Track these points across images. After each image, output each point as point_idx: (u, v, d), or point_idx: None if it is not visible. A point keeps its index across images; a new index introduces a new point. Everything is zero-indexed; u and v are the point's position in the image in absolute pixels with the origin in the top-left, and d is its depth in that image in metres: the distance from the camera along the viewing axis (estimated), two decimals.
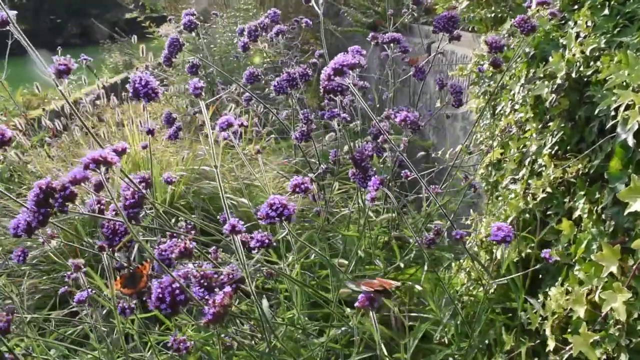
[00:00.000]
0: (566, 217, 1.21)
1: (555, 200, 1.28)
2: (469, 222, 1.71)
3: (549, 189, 1.27)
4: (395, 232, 1.63)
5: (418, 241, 1.23)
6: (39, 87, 3.35)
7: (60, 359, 1.31)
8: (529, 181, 1.35)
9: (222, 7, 5.23)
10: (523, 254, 1.33)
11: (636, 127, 0.98)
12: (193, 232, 1.07)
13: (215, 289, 0.85)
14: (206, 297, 0.83)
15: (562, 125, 1.29)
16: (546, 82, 1.30)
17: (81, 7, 19.95)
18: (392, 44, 1.56)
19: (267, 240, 0.90)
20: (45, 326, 1.40)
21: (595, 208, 1.13)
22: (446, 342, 1.44)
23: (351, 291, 0.93)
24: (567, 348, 1.04)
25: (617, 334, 0.98)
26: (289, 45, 3.20)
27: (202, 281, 0.87)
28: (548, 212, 1.31)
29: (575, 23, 1.26)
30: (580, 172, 1.20)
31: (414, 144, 2.73)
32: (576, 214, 1.17)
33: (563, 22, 1.37)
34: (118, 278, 0.98)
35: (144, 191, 0.94)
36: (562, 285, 1.14)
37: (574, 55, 1.23)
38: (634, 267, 0.95)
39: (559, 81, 1.26)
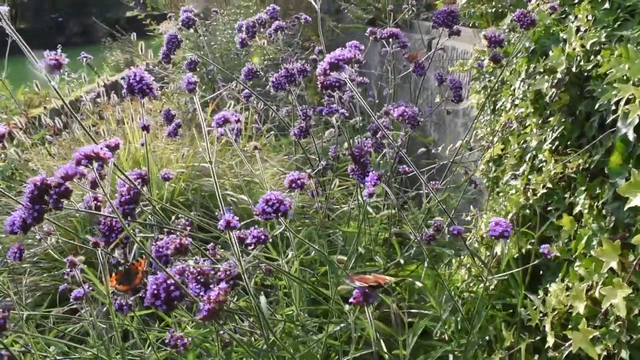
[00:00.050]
0: (567, 212, 1.20)
1: (556, 196, 1.27)
2: (469, 218, 1.70)
3: (549, 185, 1.26)
4: (396, 229, 1.62)
5: (417, 237, 1.22)
6: (38, 85, 3.35)
7: (59, 356, 1.30)
8: (530, 177, 1.34)
9: (222, 4, 5.22)
10: (523, 250, 1.32)
11: (636, 121, 0.97)
12: (189, 228, 1.07)
13: (212, 286, 0.85)
14: (201, 294, 0.83)
15: (563, 120, 1.28)
16: (546, 77, 1.29)
17: (82, 6, 19.97)
18: (390, 39, 1.55)
19: (263, 237, 0.89)
20: (45, 323, 1.40)
21: (596, 203, 1.12)
22: (446, 338, 1.43)
23: (351, 288, 0.92)
24: (567, 344, 1.03)
25: (617, 330, 0.97)
26: (290, 42, 3.19)
27: (198, 278, 0.87)
28: (548, 208, 1.30)
29: (576, 17, 1.25)
30: (581, 168, 1.19)
31: (415, 140, 2.72)
32: (577, 209, 1.17)
33: (563, 16, 1.36)
34: (113, 275, 0.97)
35: (139, 187, 0.93)
36: (562, 281, 1.14)
37: (574, 49, 1.22)
38: (635, 262, 0.94)
39: (559, 76, 1.25)
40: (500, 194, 1.53)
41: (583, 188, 1.16)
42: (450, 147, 1.96)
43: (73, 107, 3.62)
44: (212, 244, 1.11)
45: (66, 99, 3.18)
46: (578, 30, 1.24)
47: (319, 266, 1.62)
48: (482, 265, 1.27)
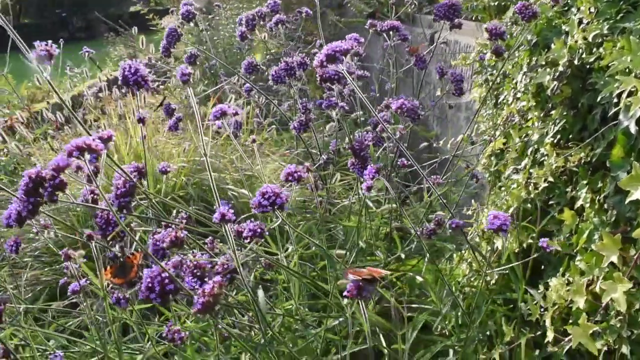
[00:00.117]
0: (568, 206, 1.19)
1: (558, 190, 1.26)
2: (470, 212, 1.69)
3: (551, 179, 1.25)
4: (396, 223, 1.62)
5: (418, 232, 1.21)
6: (39, 79, 3.34)
7: (59, 350, 1.30)
8: (531, 170, 1.33)
9: None
10: (524, 245, 1.31)
11: (638, 113, 0.96)
12: (184, 221, 1.06)
13: (207, 279, 0.84)
14: (196, 287, 0.82)
15: (565, 113, 1.27)
16: (548, 70, 1.28)
17: (86, 2, 19.96)
18: (391, 32, 1.54)
19: (259, 230, 0.88)
20: (43, 317, 1.40)
21: (598, 197, 1.11)
22: (447, 333, 1.43)
23: (349, 282, 0.91)
24: (567, 339, 1.02)
25: (618, 325, 0.96)
26: (292, 37, 3.18)
27: (195, 271, 0.87)
28: (550, 202, 1.29)
29: (578, 9, 1.24)
30: (583, 161, 1.18)
31: (418, 134, 2.71)
32: (578, 203, 1.16)
33: (566, 8, 1.35)
34: (108, 268, 0.97)
35: (135, 181, 0.93)
36: (563, 275, 1.13)
37: (576, 41, 1.21)
38: (636, 256, 0.93)
39: (561, 68, 1.24)
40: (502, 189, 1.52)
41: (585, 182, 1.15)
42: (452, 141, 1.95)
43: (75, 102, 3.63)
44: (210, 237, 1.10)
45: (69, 93, 3.19)
46: (580, 22, 1.22)
47: (319, 261, 1.61)
48: (482, 260, 1.26)
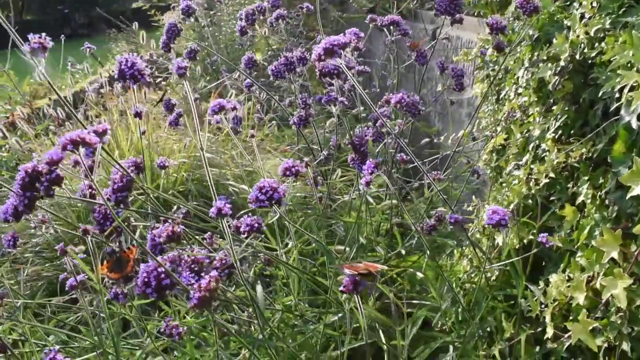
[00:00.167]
0: (569, 202, 1.18)
1: (559, 186, 1.26)
2: (470, 208, 1.68)
3: (552, 174, 1.25)
4: (397, 219, 1.61)
5: (417, 228, 1.20)
6: (40, 76, 3.34)
7: (59, 345, 1.30)
8: (532, 166, 1.32)
9: None
10: (525, 241, 1.31)
11: None
12: (181, 216, 1.06)
13: (204, 274, 0.84)
14: (193, 282, 0.82)
15: (566, 108, 1.26)
16: (549, 65, 1.27)
17: None
18: (391, 27, 1.53)
19: (256, 225, 0.88)
20: (43, 312, 1.40)
21: (599, 193, 1.10)
22: (447, 329, 1.42)
23: None
24: (566, 336, 1.02)
25: (618, 321, 0.95)
26: (294, 33, 3.17)
27: (192, 266, 0.86)
28: (551, 198, 1.28)
29: (580, 4, 1.23)
30: (584, 157, 1.17)
31: (419, 130, 2.70)
32: (579, 199, 1.15)
33: (568, 3, 1.34)
34: (105, 262, 0.97)
35: (132, 175, 0.92)
36: (563, 272, 1.12)
37: (578, 36, 1.20)
38: (636, 252, 0.92)
39: (562, 63, 1.23)
40: (504, 184, 1.51)
41: (586, 177, 1.14)
42: (453, 136, 1.94)
43: (77, 98, 3.62)
44: (209, 233, 1.10)
45: (70, 90, 3.18)
46: (582, 17, 1.21)
47: (320, 257, 1.61)
48: (482, 255, 1.26)
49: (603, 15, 1.15)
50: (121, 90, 2.96)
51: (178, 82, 3.61)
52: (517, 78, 1.49)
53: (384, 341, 1.17)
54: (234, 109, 0.94)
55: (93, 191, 0.96)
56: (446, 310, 1.34)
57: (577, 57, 1.20)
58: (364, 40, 1.44)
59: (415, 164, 1.11)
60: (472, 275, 1.49)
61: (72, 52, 4.03)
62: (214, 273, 0.77)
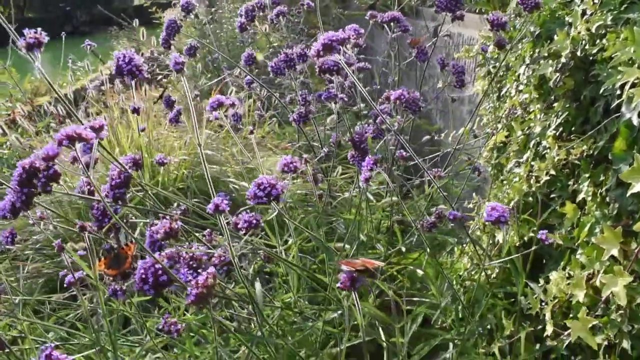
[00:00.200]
0: (570, 200, 1.18)
1: (559, 183, 1.25)
2: (471, 205, 1.68)
3: (552, 172, 1.24)
4: (398, 216, 1.61)
5: (417, 225, 1.20)
6: (38, 72, 3.34)
7: (58, 342, 1.30)
8: (533, 163, 1.31)
9: None
10: (525, 238, 1.30)
11: None
12: (179, 213, 1.06)
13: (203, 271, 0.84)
14: (191, 279, 0.81)
15: (567, 105, 1.26)
16: (550, 61, 1.27)
17: None
18: (392, 24, 1.52)
19: (254, 221, 0.88)
20: (42, 309, 1.40)
21: (600, 190, 1.10)
22: (448, 327, 1.42)
23: None
24: (566, 333, 1.01)
25: (619, 319, 0.95)
26: (296, 30, 3.16)
27: (191, 263, 0.86)
28: (552, 195, 1.28)
29: (582, 0, 1.22)
30: (585, 154, 1.17)
31: (421, 128, 2.70)
32: (580, 196, 1.14)
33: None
34: (102, 259, 0.97)
35: (131, 172, 0.92)
36: (564, 269, 1.12)
37: (579, 33, 1.19)
38: (637, 250, 0.92)
39: (563, 60, 1.22)
40: (504, 182, 1.51)
41: (587, 175, 1.14)
42: (453, 134, 1.94)
43: (78, 95, 3.62)
44: (208, 229, 1.10)
45: (71, 87, 3.18)
46: (584, 13, 1.21)
47: (320, 254, 1.60)
48: (482, 252, 1.25)
49: (605, 12, 1.14)
50: (122, 87, 2.96)
51: (179, 79, 3.61)
52: (518, 75, 1.48)
53: (383, 338, 1.17)
54: (233, 105, 0.93)
55: (91, 187, 0.96)
56: (446, 308, 1.34)
57: (579, 53, 1.20)
58: (365, 37, 1.44)
59: (416, 161, 1.10)
60: (473, 272, 1.49)
61: (73, 49, 4.03)
62: (211, 269, 0.77)
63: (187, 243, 0.99)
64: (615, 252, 0.93)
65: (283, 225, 1.44)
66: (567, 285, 1.05)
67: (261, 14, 1.66)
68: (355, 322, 1.16)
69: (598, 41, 1.15)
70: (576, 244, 1.11)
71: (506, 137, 1.55)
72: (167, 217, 0.87)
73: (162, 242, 0.91)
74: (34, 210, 1.27)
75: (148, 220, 1.12)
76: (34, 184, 0.76)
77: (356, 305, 0.76)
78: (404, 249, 1.53)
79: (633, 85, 0.98)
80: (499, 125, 1.58)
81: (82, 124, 0.85)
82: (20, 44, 0.76)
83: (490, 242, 1.41)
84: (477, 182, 1.81)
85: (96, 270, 0.94)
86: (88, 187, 0.96)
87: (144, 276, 0.78)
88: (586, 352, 1.07)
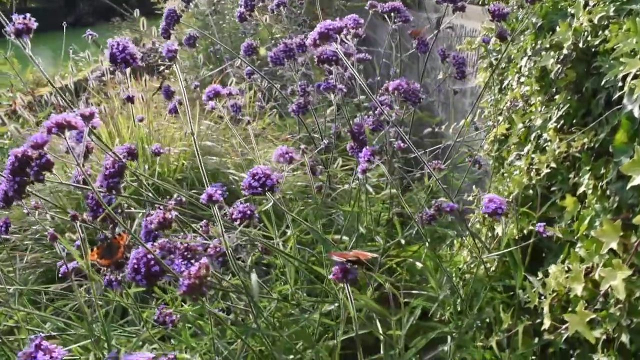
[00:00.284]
0: (570, 193, 1.17)
1: (560, 176, 1.24)
2: (470, 198, 1.67)
3: (553, 164, 1.23)
4: (397, 209, 1.60)
5: (416, 217, 1.19)
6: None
7: (55, 333, 1.30)
8: (533, 156, 1.30)
9: None
10: (525, 231, 1.29)
11: None
12: (173, 202, 1.05)
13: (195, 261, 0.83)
14: (183, 270, 0.81)
15: (569, 97, 1.24)
16: (552, 53, 1.25)
17: None
18: (392, 14, 1.51)
19: (249, 212, 0.87)
20: (39, 300, 1.39)
21: (600, 183, 1.09)
22: (446, 320, 1.41)
23: None
24: (564, 327, 1.00)
25: (617, 313, 0.94)
26: (298, 21, 3.14)
27: (185, 254, 0.85)
28: (552, 188, 1.27)
29: None
30: (586, 147, 1.16)
31: (423, 120, 2.68)
32: (580, 189, 1.13)
33: None
34: (95, 249, 0.96)
35: (124, 161, 0.91)
36: (563, 263, 1.11)
37: (581, 24, 1.18)
38: (636, 243, 0.91)
39: (565, 51, 1.21)
40: (505, 175, 1.49)
41: (587, 168, 1.13)
42: (454, 126, 1.92)
43: (79, 86, 3.61)
44: (205, 220, 1.09)
45: (72, 78, 3.17)
46: (586, 4, 1.19)
47: (318, 245, 1.60)
48: (481, 245, 1.25)
49: (607, 3, 1.13)
50: (123, 78, 2.95)
51: (181, 70, 3.60)
52: (520, 67, 1.47)
53: (380, 331, 1.16)
54: (230, 94, 0.92)
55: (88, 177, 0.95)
56: (445, 301, 1.33)
57: (581, 45, 1.18)
58: (365, 27, 1.42)
59: (415, 153, 1.09)
60: (472, 265, 1.48)
61: (75, 40, 4.02)
62: (204, 260, 0.76)
63: (182, 234, 0.98)
64: (614, 245, 0.92)
65: (282, 217, 1.43)
66: (566, 278, 1.04)
67: (261, 4, 1.65)
68: (343, 317, 1.15)
69: (600, 32, 1.13)
70: (576, 237, 1.10)
71: (507, 129, 1.54)
72: (162, 207, 0.86)
73: (157, 233, 0.91)
74: (30, 200, 1.26)
75: (144, 211, 1.12)
76: (27, 173, 0.75)
77: (349, 297, 0.75)
78: (403, 242, 1.52)
79: (635, 77, 0.96)
80: (500, 118, 1.57)
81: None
82: (9, 29, 0.75)
83: (490, 235, 1.40)
84: (478, 175, 1.80)
85: (88, 260, 0.93)
86: (83, 176, 0.95)
87: (136, 266, 0.78)
88: (584, 346, 1.06)
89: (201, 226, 1.12)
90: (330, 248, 1.18)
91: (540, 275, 1.16)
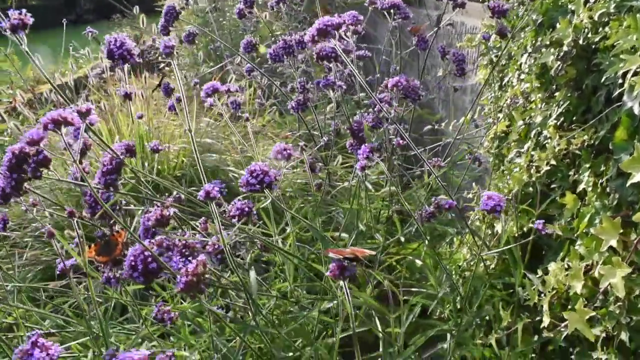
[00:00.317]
0: (570, 190, 1.17)
1: (560, 173, 1.24)
2: (470, 195, 1.67)
3: (553, 162, 1.22)
4: (397, 206, 1.60)
5: (416, 215, 1.19)
6: (39, 60, 3.33)
7: (54, 330, 1.30)
8: (533, 153, 1.30)
9: None
10: (525, 229, 1.29)
11: None
12: (171, 199, 1.05)
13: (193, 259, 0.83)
14: (181, 267, 0.81)
15: (569, 94, 1.24)
16: (552, 50, 1.25)
17: None
18: (392, 11, 1.50)
19: (246, 209, 0.87)
20: (38, 297, 1.39)
21: (600, 181, 1.08)
22: (446, 318, 1.41)
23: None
24: (563, 325, 1.00)
25: (617, 311, 0.94)
26: (298, 18, 3.13)
27: (183, 251, 0.85)
28: (552, 186, 1.26)
29: None
30: (586, 144, 1.15)
31: (423, 118, 2.67)
32: (580, 187, 1.13)
33: None
34: (92, 245, 0.96)
35: (122, 158, 0.91)
36: (562, 260, 1.11)
37: (582, 21, 1.17)
38: (636, 241, 0.90)
39: (565, 48, 1.20)
40: (505, 172, 1.49)
41: (587, 165, 1.12)
42: (454, 123, 1.92)
43: (79, 83, 3.61)
44: (203, 218, 1.09)
45: (72, 75, 3.17)
46: (587, 1, 1.19)
47: (318, 243, 1.59)
48: (481, 242, 1.24)
49: None
50: (122, 75, 2.94)
51: (182, 67, 3.59)
52: (520, 64, 1.46)
53: (380, 329, 1.16)
54: (228, 91, 0.92)
55: (86, 174, 0.95)
56: (444, 299, 1.33)
57: (581, 42, 1.18)
58: (364, 24, 1.42)
59: (415, 150, 1.09)
60: (472, 263, 1.48)
61: (76, 38, 4.01)
62: (201, 257, 0.76)
63: (181, 231, 0.98)
64: (614, 243, 0.92)
65: (282, 214, 1.43)
66: (566, 276, 1.04)
67: (261, 1, 1.64)
68: (341, 315, 1.15)
69: (600, 29, 1.13)
70: (575, 234, 1.10)
71: (507, 126, 1.53)
72: (159, 204, 0.86)
73: (155, 230, 0.90)
74: (29, 197, 1.26)
75: (143, 208, 1.11)
76: (24, 170, 0.75)
77: (346, 294, 0.75)
78: (402, 239, 1.52)
79: (635, 74, 0.96)
80: (500, 115, 1.57)
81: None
82: (4, 25, 0.75)
83: (489, 232, 1.40)
84: (478, 173, 1.79)
85: (86, 257, 0.93)
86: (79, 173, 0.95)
87: (133, 263, 0.78)
88: (584, 344, 1.06)
89: (200, 223, 1.12)
90: (329, 245, 1.18)
91: (539, 272, 1.16)
